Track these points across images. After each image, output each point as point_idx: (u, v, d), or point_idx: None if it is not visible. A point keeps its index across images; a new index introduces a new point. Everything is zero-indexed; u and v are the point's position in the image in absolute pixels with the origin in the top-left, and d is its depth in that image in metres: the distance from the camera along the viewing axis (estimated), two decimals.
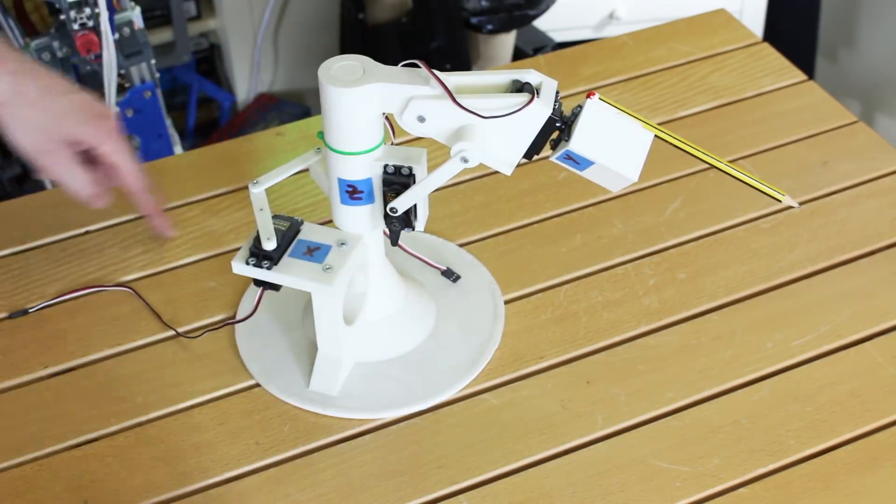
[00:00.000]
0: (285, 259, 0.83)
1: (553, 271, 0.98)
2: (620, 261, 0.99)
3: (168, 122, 1.66)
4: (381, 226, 0.85)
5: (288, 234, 0.84)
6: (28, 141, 0.88)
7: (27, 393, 0.89)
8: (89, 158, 0.91)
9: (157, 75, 1.59)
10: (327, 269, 0.82)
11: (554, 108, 0.77)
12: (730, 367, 0.89)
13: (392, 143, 0.84)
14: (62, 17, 1.43)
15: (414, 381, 0.88)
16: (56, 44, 1.46)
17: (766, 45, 1.25)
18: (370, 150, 0.81)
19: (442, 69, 0.80)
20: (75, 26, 1.44)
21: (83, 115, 0.89)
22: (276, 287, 0.84)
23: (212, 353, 0.91)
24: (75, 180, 0.90)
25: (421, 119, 0.78)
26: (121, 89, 1.54)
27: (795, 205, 0.89)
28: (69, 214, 1.04)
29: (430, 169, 0.81)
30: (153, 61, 1.57)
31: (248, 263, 0.83)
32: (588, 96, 0.79)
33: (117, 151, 0.90)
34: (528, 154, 0.80)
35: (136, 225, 1.03)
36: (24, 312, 0.95)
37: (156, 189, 0.97)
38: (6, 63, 0.86)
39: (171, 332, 0.93)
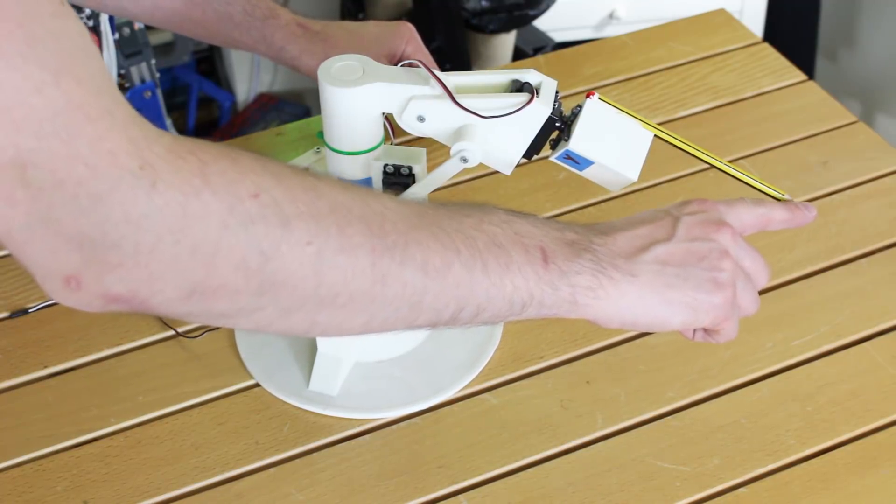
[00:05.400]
0: None
1: None
2: None
3: (168, 122, 1.66)
4: None
5: None
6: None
7: (27, 393, 0.89)
8: None
9: (157, 75, 1.59)
10: None
11: (553, 108, 0.77)
12: (730, 366, 0.89)
13: (392, 143, 0.84)
14: None
15: (414, 381, 0.88)
16: None
17: (766, 45, 1.25)
18: (370, 150, 0.81)
19: (442, 69, 0.80)
20: None
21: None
22: None
23: (211, 352, 0.91)
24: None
25: (421, 119, 0.78)
26: (121, 89, 1.54)
27: None
28: None
29: (430, 169, 0.81)
30: (153, 61, 1.57)
31: None
32: (588, 96, 0.79)
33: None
34: (528, 154, 0.80)
35: None
36: (24, 312, 0.95)
37: None
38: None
39: (171, 332, 0.93)
